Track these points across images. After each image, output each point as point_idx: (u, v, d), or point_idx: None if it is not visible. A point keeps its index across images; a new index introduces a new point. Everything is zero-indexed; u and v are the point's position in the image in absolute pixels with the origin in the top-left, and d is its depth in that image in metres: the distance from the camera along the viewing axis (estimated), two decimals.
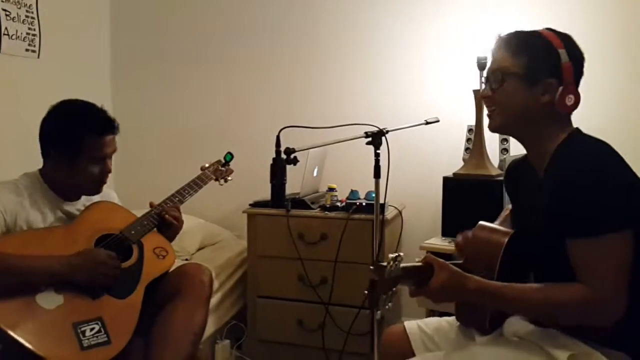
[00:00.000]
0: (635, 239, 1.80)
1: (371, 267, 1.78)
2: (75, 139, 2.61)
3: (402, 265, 1.80)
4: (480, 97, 2.11)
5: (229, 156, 3.39)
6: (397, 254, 1.78)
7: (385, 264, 1.75)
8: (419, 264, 1.90)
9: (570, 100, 1.94)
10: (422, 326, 2.30)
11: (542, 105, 1.96)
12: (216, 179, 3.28)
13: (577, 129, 2.01)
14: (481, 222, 2.21)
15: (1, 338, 2.25)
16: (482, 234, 2.16)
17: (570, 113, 1.99)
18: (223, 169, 3.34)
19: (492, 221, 2.28)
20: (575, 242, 1.83)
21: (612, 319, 1.80)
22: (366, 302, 3.57)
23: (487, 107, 2.11)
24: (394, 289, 1.84)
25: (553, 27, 2.02)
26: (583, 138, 1.99)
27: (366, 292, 1.80)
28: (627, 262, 1.79)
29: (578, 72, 1.98)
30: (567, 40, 1.98)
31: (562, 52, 1.94)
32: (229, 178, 3.37)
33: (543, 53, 1.96)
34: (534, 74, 1.97)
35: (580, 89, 1.98)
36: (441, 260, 1.91)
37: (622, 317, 1.78)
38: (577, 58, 1.97)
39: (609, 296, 1.78)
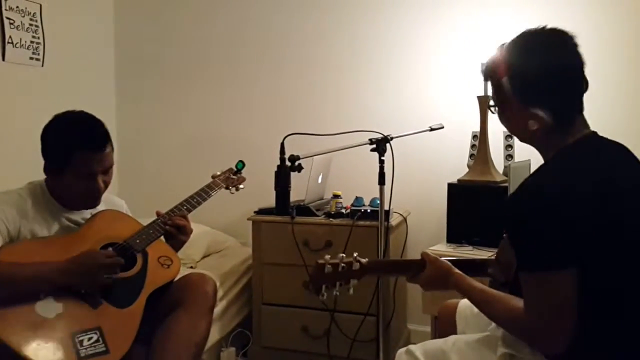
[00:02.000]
0: (582, 276, 1.71)
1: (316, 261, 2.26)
2: (62, 154, 2.57)
3: (373, 260, 2.37)
4: None
5: (241, 164, 3.36)
6: (348, 258, 2.27)
7: (323, 262, 2.25)
8: (416, 259, 2.30)
9: (532, 125, 1.87)
10: (472, 306, 2.31)
11: (519, 126, 1.96)
12: (227, 187, 3.23)
13: (580, 139, 1.89)
14: None
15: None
16: None
17: (554, 126, 1.87)
18: (234, 177, 3.30)
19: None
20: (518, 272, 1.84)
21: (550, 351, 1.79)
22: (371, 309, 3.59)
23: None
24: (345, 282, 2.25)
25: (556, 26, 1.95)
26: (554, 160, 1.89)
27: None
28: (564, 301, 1.72)
29: (530, 93, 1.86)
30: (515, 59, 1.89)
31: (505, 81, 1.89)
32: (241, 186, 3.31)
33: (495, 86, 1.98)
34: (499, 104, 2.00)
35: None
36: (432, 256, 2.26)
37: (569, 349, 1.74)
38: (524, 80, 1.87)
39: (539, 329, 1.76)
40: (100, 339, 2.38)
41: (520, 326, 1.83)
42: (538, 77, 1.86)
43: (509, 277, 2.03)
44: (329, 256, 2.27)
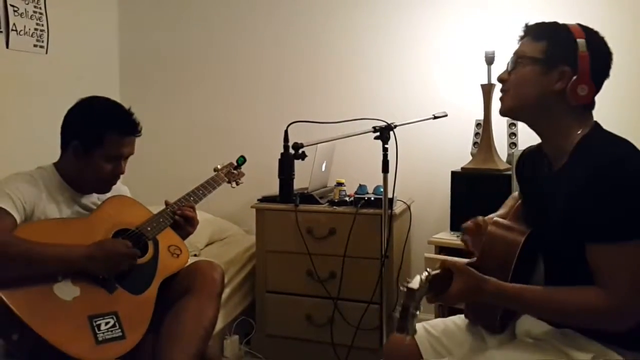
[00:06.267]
0: None
1: (402, 289, 1.74)
2: (97, 133, 2.61)
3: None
4: (497, 79, 2.07)
5: (242, 159, 3.39)
6: (426, 274, 1.78)
7: (416, 287, 1.72)
8: (438, 271, 1.87)
9: (582, 90, 1.88)
10: (428, 329, 2.25)
11: (554, 93, 1.92)
12: (228, 181, 3.29)
13: (597, 124, 1.97)
14: (496, 219, 2.19)
15: (17, 326, 2.25)
16: (498, 231, 2.12)
17: (584, 106, 1.93)
18: (235, 172, 3.34)
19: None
20: (595, 247, 1.80)
21: (625, 325, 1.78)
22: (375, 297, 3.58)
23: (500, 90, 2.08)
24: (420, 308, 1.76)
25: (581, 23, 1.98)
26: (606, 135, 1.93)
27: (398, 316, 1.75)
28: None
29: (597, 67, 1.91)
30: (591, 34, 1.93)
31: (581, 42, 1.89)
32: (241, 181, 3.37)
33: (562, 40, 1.92)
34: (550, 60, 1.93)
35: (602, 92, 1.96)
36: (459, 263, 1.93)
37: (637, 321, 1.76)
38: (598, 53, 1.91)
39: (625, 303, 1.75)
40: (116, 323, 2.42)
41: (597, 307, 1.78)
42: (607, 55, 1.95)
43: (505, 276, 1.97)
44: (424, 275, 1.78)
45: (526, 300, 1.90)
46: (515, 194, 2.32)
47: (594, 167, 1.81)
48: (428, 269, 1.82)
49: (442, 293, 1.87)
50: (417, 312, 1.72)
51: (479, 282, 1.89)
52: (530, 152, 2.23)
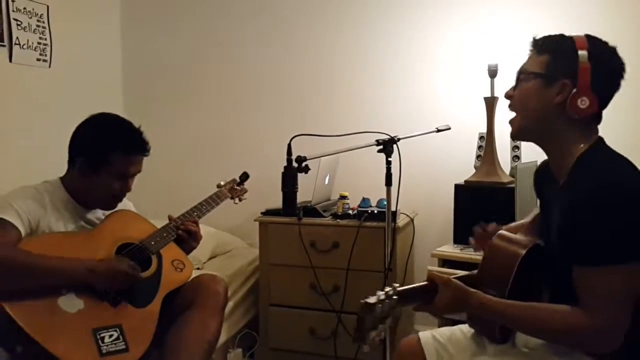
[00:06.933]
0: None
1: (361, 302, 1.76)
2: (104, 151, 2.63)
3: (402, 288, 1.87)
4: (504, 96, 2.07)
5: (245, 176, 3.40)
6: (389, 289, 1.82)
7: (374, 301, 1.76)
8: (424, 283, 1.95)
9: (583, 103, 1.86)
10: (436, 336, 2.27)
11: (555, 107, 1.91)
12: (231, 197, 3.31)
13: (600, 140, 1.95)
14: (501, 232, 2.19)
15: (21, 339, 2.26)
16: (500, 243, 2.13)
17: (588, 119, 1.91)
18: (238, 188, 3.37)
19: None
20: (579, 269, 1.80)
21: (606, 349, 1.78)
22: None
23: (509, 108, 2.06)
24: (386, 322, 1.80)
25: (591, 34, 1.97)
26: (603, 154, 1.91)
27: (354, 329, 1.77)
28: (632, 294, 1.74)
29: (600, 79, 1.88)
30: (596, 45, 1.91)
31: (582, 54, 1.87)
32: (244, 197, 3.39)
33: (563, 53, 1.92)
34: (550, 74, 1.93)
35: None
36: (444, 276, 1.96)
37: (630, 339, 1.75)
38: (601, 64, 1.88)
39: (604, 326, 1.74)
40: (120, 336, 2.43)
41: (577, 329, 1.78)
42: (613, 66, 1.93)
43: (503, 288, 1.97)
44: (385, 291, 1.81)
45: (509, 316, 1.91)
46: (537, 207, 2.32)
47: (588, 188, 1.80)
48: (394, 284, 1.86)
49: (428, 304, 1.94)
50: (381, 325, 1.76)
51: (464, 295, 1.93)
52: (543, 166, 2.22)
